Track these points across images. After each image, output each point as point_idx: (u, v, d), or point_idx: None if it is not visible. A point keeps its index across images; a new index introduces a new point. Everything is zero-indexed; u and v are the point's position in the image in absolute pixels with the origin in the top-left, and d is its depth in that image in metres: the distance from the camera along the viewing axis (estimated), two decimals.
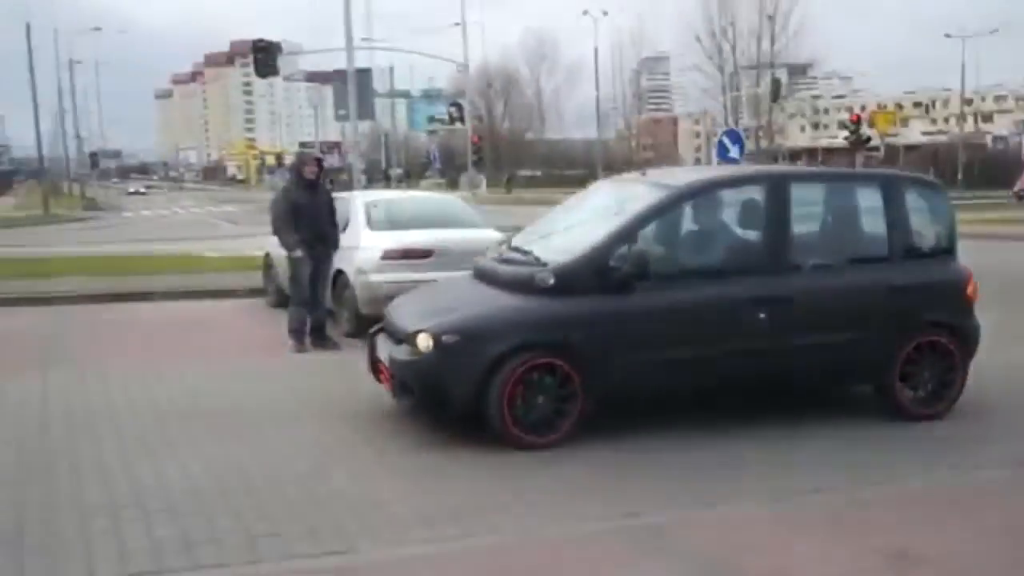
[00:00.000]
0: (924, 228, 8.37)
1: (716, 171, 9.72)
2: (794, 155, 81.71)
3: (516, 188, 77.05)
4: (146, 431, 7.62)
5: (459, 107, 55.86)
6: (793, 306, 7.58)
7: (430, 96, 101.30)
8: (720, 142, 22.09)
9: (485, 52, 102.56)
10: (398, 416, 7.82)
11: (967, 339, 8.12)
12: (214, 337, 12.37)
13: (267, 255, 14.73)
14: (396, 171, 74.98)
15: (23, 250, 26.12)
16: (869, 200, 8.32)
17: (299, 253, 11.02)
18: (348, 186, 23.38)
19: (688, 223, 8.07)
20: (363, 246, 11.88)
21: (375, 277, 11.49)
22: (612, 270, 7.22)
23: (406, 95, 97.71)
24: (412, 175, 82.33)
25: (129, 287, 16.64)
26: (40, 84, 59.45)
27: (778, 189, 7.85)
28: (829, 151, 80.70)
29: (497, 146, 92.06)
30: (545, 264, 7.49)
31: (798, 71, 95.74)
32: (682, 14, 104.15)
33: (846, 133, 50.53)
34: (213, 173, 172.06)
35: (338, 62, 24.97)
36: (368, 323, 11.32)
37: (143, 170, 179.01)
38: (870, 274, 8.02)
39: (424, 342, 7.16)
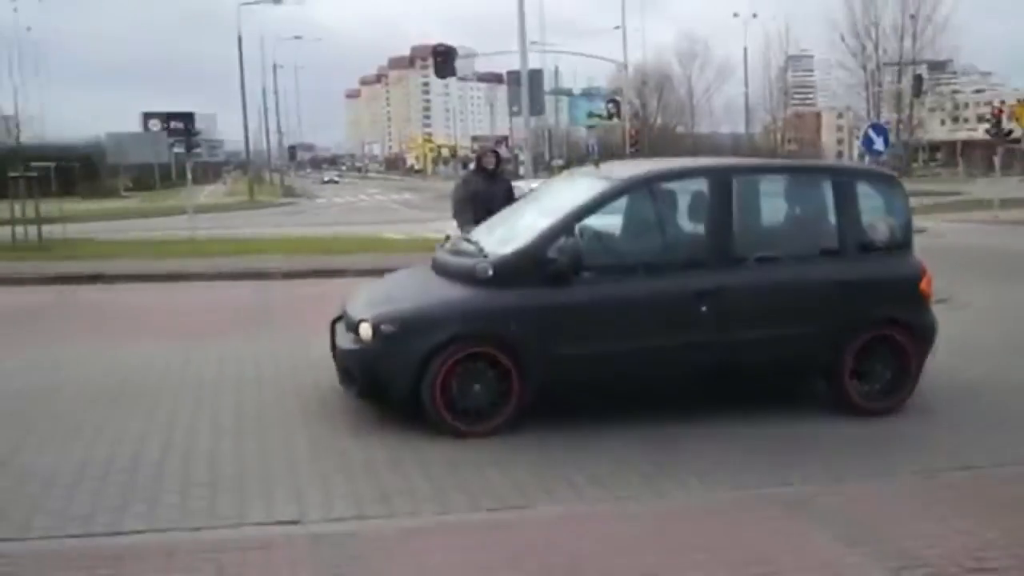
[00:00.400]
0: (877, 222, 7.61)
1: (661, 164, 8.56)
2: (933, 148, 78.64)
3: None
4: None
5: (616, 103, 55.66)
6: (736, 299, 7.04)
7: (589, 94, 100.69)
8: (866, 134, 21.40)
9: (642, 53, 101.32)
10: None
11: (921, 335, 7.49)
12: None
13: (447, 236, 14.87)
14: (558, 162, 75.05)
15: (236, 231, 27.12)
16: (818, 193, 7.74)
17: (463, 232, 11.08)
18: (514, 176, 23.60)
19: (628, 216, 7.56)
20: None
21: None
22: (549, 262, 6.76)
23: (568, 93, 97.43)
24: (572, 166, 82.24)
25: (324, 265, 17.09)
26: (248, 86, 61.62)
27: (720, 182, 7.31)
28: (969, 144, 77.48)
29: (650, 139, 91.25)
30: (486, 256, 7.12)
31: (938, 67, 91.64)
32: (827, 14, 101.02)
33: (986, 126, 48.08)
34: (394, 164, 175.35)
35: (506, 64, 25.14)
36: None
37: (332, 161, 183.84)
38: (818, 268, 7.42)
39: (365, 331, 6.87)
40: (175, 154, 51.74)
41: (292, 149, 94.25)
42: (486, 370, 6.75)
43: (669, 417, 7.08)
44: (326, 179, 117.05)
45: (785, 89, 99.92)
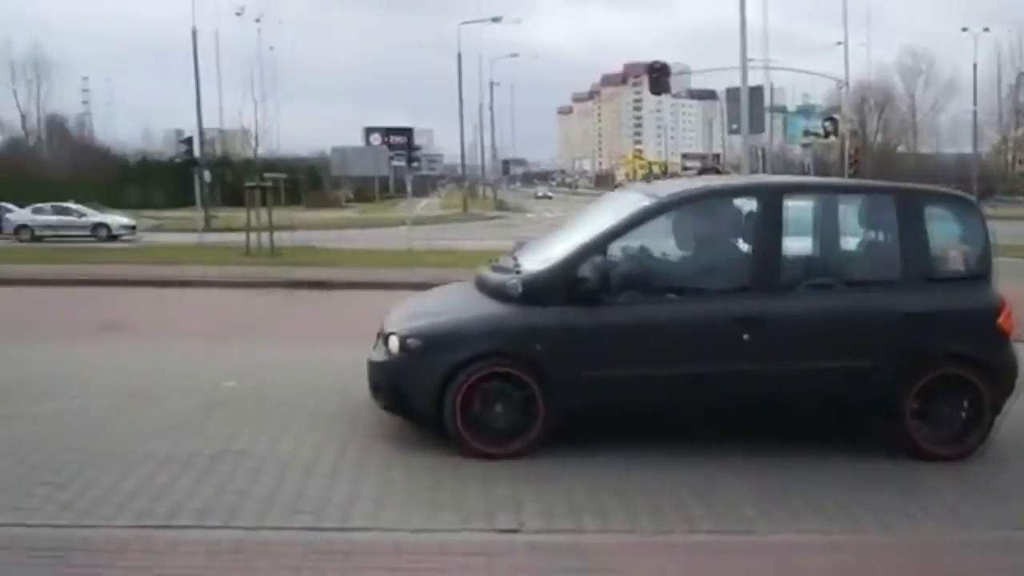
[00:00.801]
0: (948, 249, 7.01)
1: (711, 182, 8.00)
2: None
3: None
4: None
5: (834, 121, 53.90)
6: (781, 328, 6.54)
7: (805, 111, 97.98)
8: None
9: (862, 70, 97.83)
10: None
11: (997, 375, 6.69)
12: None
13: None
14: None
15: (451, 243, 27.88)
16: (882, 216, 7.09)
17: None
18: None
19: (668, 236, 7.14)
20: None
21: None
22: (579, 281, 6.48)
23: (783, 110, 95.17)
24: None
25: None
26: (465, 102, 63.28)
27: (770, 202, 6.82)
28: None
29: (868, 159, 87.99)
30: (519, 272, 6.84)
31: None
32: None
33: None
34: (604, 180, 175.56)
35: (718, 81, 24.85)
36: None
37: (543, 177, 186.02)
38: (876, 298, 6.79)
39: (392, 344, 6.71)
40: (394, 167, 53.94)
41: (505, 164, 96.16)
42: (511, 390, 6.52)
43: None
44: (539, 194, 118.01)
45: (1017, 107, 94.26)
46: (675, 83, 32.85)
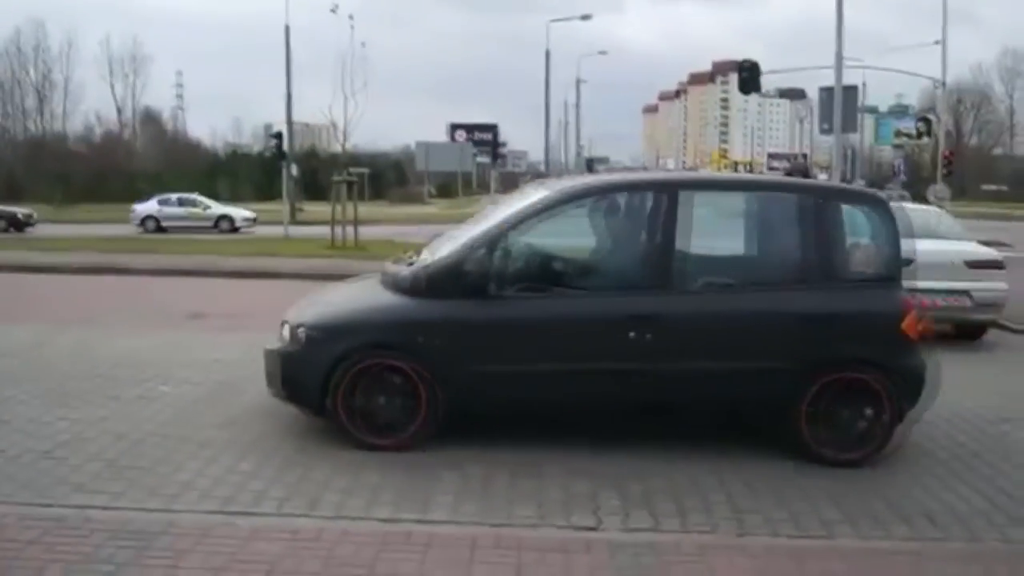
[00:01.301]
0: (853, 250, 6.80)
1: (609, 177, 7.80)
2: None
3: (982, 201, 71.34)
4: None
5: (928, 122, 52.57)
6: (672, 328, 6.37)
7: (896, 112, 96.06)
8: None
9: (959, 70, 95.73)
10: None
11: (900, 381, 6.44)
12: None
13: None
14: (860, 182, 72.14)
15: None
16: (784, 215, 6.88)
17: None
18: None
19: (562, 230, 7.03)
20: None
21: None
22: (466, 275, 6.43)
23: (874, 110, 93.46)
24: (874, 187, 78.89)
25: None
26: (550, 99, 63.26)
27: (667, 198, 6.65)
28: None
29: (963, 161, 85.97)
30: (412, 265, 6.84)
31: None
32: None
33: None
34: None
35: (806, 79, 24.44)
36: None
37: None
38: (774, 298, 6.59)
39: (285, 333, 6.73)
40: (477, 163, 54.21)
41: (589, 162, 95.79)
42: (396, 382, 6.44)
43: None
44: None
45: None
46: (764, 81, 32.40)
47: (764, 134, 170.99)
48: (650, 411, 6.69)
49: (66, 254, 20.98)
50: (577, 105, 79.19)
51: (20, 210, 39.96)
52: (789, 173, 12.27)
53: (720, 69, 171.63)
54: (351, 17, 34.15)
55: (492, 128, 75.09)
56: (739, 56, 27.14)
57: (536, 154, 76.03)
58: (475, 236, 6.75)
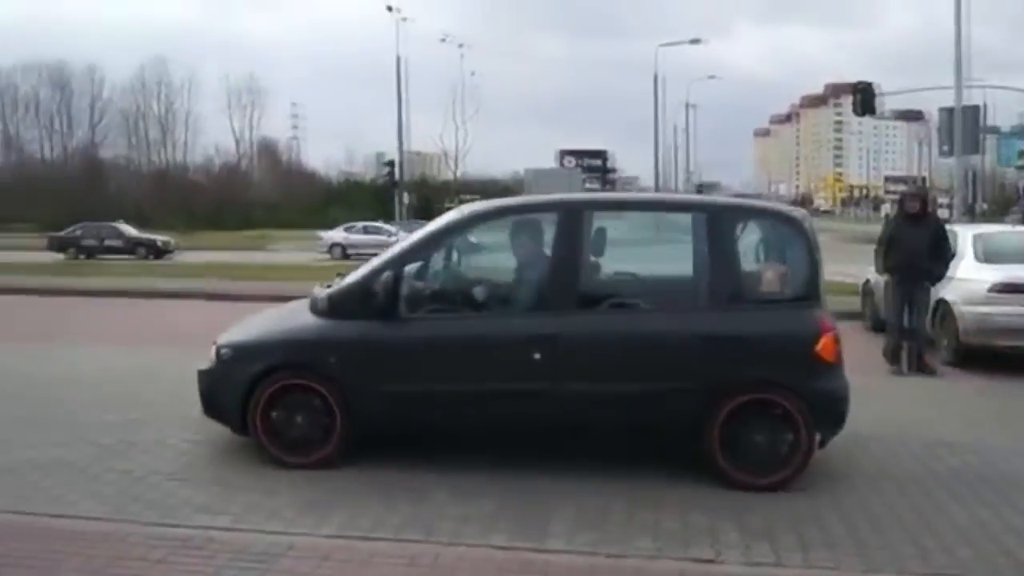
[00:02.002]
0: (764, 270, 6.65)
1: (516, 199, 7.89)
2: None
3: None
4: None
5: None
6: (574, 348, 6.33)
7: (1018, 132, 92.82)
8: None
9: None
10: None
11: (816, 404, 6.22)
12: None
13: (867, 281, 14.36)
14: (982, 206, 69.68)
15: None
16: (692, 234, 6.69)
17: (885, 277, 11.29)
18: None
19: (469, 252, 7.22)
20: (969, 278, 11.05)
21: (981, 309, 10.65)
22: (373, 296, 6.44)
23: (995, 131, 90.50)
24: (995, 212, 76.07)
25: None
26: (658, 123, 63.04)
27: (570, 218, 6.65)
28: None
29: None
30: (329, 288, 6.91)
31: None
32: None
33: None
34: (801, 204, 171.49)
35: (925, 100, 23.84)
36: (970, 353, 10.62)
37: None
38: (681, 319, 6.52)
39: (212, 354, 6.85)
40: (587, 189, 54.25)
41: (699, 187, 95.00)
42: (310, 401, 6.52)
43: None
44: None
45: None
46: (879, 103, 31.79)
47: (880, 157, 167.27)
48: (558, 432, 6.68)
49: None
50: (687, 129, 78.80)
51: (160, 237, 41.76)
52: (903, 198, 11.91)
53: (833, 91, 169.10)
54: (461, 47, 34.70)
55: (601, 154, 75.19)
56: (851, 77, 26.76)
57: (647, 179, 75.83)
58: (384, 258, 6.87)
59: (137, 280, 23.52)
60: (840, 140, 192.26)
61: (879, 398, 8.87)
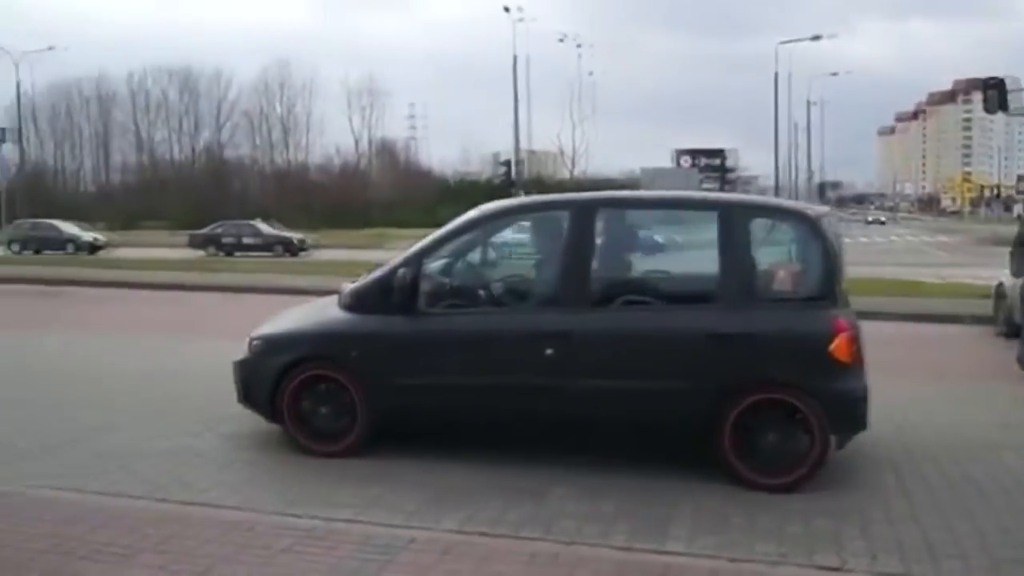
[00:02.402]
0: (777, 269, 6.55)
1: (532, 198, 7.71)
2: None
3: None
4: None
5: None
6: (585, 345, 6.37)
7: None
8: None
9: None
10: None
11: (830, 405, 6.08)
12: (942, 358, 11.84)
13: (999, 284, 13.83)
14: None
15: None
16: (705, 232, 6.66)
17: (1021, 280, 11.12)
18: None
19: (484, 249, 7.35)
20: None
21: None
22: (391, 292, 6.63)
23: None
24: None
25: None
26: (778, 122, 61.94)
27: (582, 217, 6.68)
28: None
29: None
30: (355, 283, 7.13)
31: None
32: None
33: None
34: (927, 205, 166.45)
35: None
36: None
37: (859, 200, 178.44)
38: (693, 317, 6.45)
39: (246, 346, 7.10)
40: (705, 189, 53.65)
41: (821, 186, 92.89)
42: (335, 393, 6.77)
43: None
44: (870, 219, 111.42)
45: None
46: (1013, 99, 30.58)
47: (1012, 155, 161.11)
48: (571, 428, 6.69)
49: None
50: (808, 128, 77.05)
51: (295, 235, 43.00)
52: None
53: (961, 87, 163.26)
54: (579, 46, 34.66)
55: (719, 153, 74.16)
56: (980, 73, 25.74)
57: (767, 179, 74.55)
58: (405, 255, 6.98)
59: (278, 277, 24.26)
60: (969, 138, 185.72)
61: (1014, 405, 8.60)
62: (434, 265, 7.02)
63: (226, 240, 42.97)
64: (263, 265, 31.41)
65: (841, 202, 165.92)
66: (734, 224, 6.56)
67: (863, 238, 64.62)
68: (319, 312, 7.49)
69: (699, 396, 6.25)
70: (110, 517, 5.40)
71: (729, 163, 76.43)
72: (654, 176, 34.65)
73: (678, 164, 64.35)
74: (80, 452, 6.92)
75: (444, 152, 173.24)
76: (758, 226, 6.72)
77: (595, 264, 6.74)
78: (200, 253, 40.80)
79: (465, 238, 7.20)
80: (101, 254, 40.00)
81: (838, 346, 6.18)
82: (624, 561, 4.89)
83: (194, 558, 4.79)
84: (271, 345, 7.12)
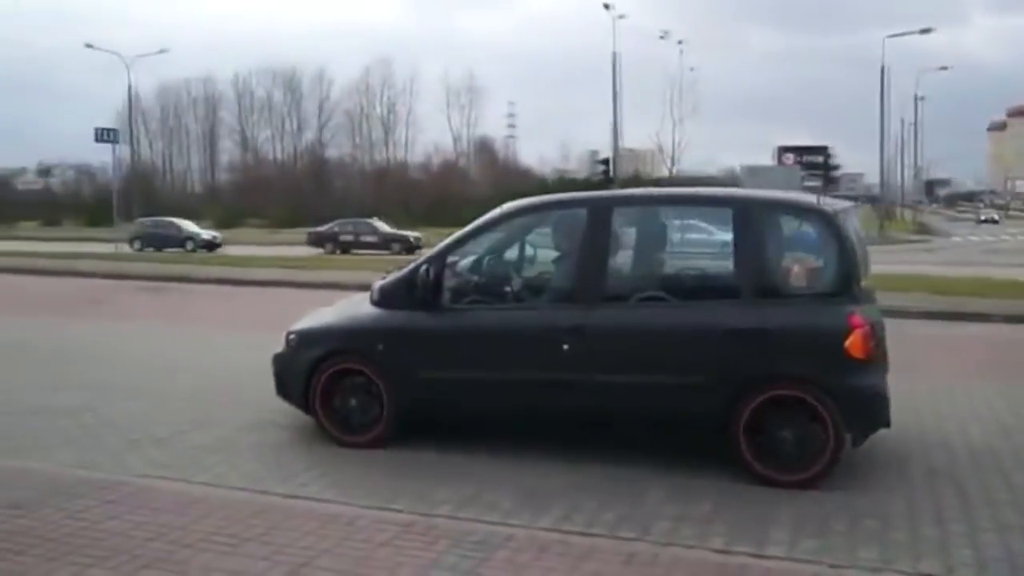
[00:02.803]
0: (792, 264, 6.47)
1: (548, 196, 7.88)
2: None
3: None
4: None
5: None
6: (602, 340, 6.48)
7: None
8: None
9: None
10: None
11: (846, 401, 6.04)
12: None
13: None
14: None
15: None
16: (719, 228, 6.80)
17: None
18: None
19: (506, 246, 7.44)
20: None
21: None
22: (414, 288, 6.85)
23: None
24: None
25: (964, 307, 16.06)
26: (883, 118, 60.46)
27: (599, 214, 6.78)
28: None
29: None
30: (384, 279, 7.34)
31: None
32: None
33: None
34: None
35: None
36: None
37: (968, 198, 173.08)
38: (708, 313, 6.45)
39: (283, 339, 7.39)
40: (807, 186, 52.71)
41: (929, 184, 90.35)
42: (363, 385, 7.01)
43: None
44: (982, 217, 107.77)
45: None
46: None
47: None
48: (588, 421, 6.82)
49: None
50: (915, 124, 75.07)
51: (412, 234, 43.68)
52: None
53: None
54: (680, 43, 34.33)
55: (822, 150, 72.66)
56: None
57: (871, 176, 72.92)
58: (429, 252, 7.18)
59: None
60: None
61: None
62: (458, 262, 7.25)
63: (344, 238, 43.63)
64: (382, 263, 31.69)
65: (950, 200, 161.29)
66: (749, 220, 6.56)
67: (973, 236, 62.51)
68: (351, 307, 7.73)
69: (714, 392, 6.28)
70: (215, 507, 5.57)
71: (834, 160, 74.89)
72: (754, 174, 34.09)
73: (780, 161, 63.27)
74: (184, 444, 7.18)
75: (542, 150, 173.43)
76: (773, 222, 6.73)
77: (610, 261, 6.83)
78: (319, 251, 41.52)
79: (488, 235, 7.35)
80: (219, 251, 41.03)
81: (853, 342, 6.12)
82: (722, 564, 4.84)
83: (297, 549, 4.90)
84: (304, 339, 7.40)
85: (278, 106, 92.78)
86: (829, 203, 6.76)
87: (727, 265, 6.69)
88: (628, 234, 7.08)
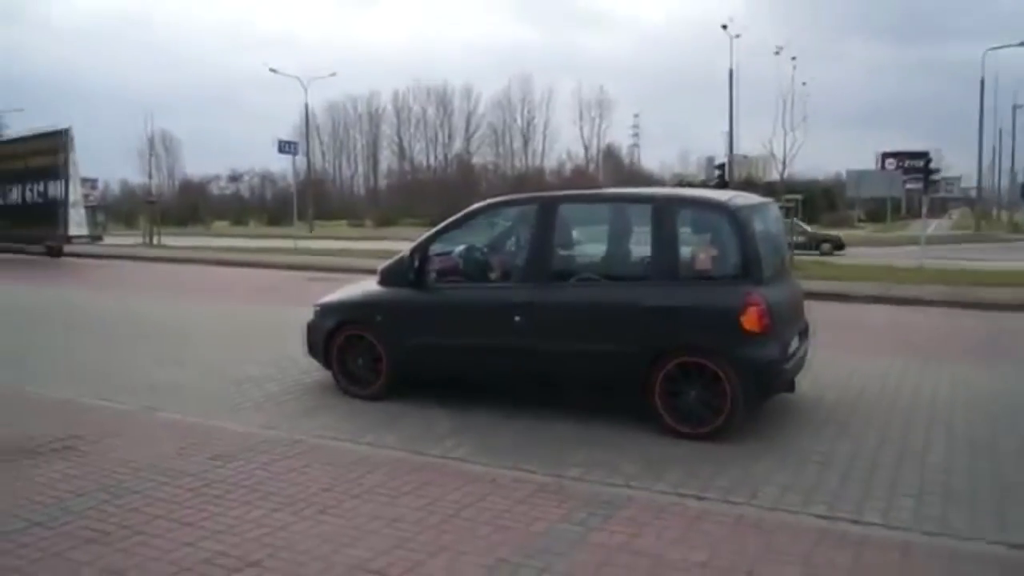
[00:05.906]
0: (699, 252, 6.79)
1: (513, 196, 8.67)
2: None
3: None
4: None
5: None
6: (544, 314, 6.98)
7: None
8: None
9: None
10: None
11: (740, 368, 6.37)
12: None
13: None
14: None
15: (962, 263, 25.40)
16: (641, 222, 7.14)
17: None
18: None
19: (476, 236, 7.99)
20: None
21: None
22: (404, 269, 7.56)
23: None
24: None
25: None
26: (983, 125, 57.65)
27: (546, 209, 7.29)
28: None
29: None
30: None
31: None
32: None
33: None
34: None
35: None
36: None
37: None
38: (629, 292, 6.90)
39: (312, 309, 8.25)
40: (908, 189, 50.71)
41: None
42: (368, 348, 7.77)
43: None
44: None
45: None
46: None
47: None
48: (536, 383, 7.31)
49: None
50: (1013, 133, 71.36)
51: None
52: None
53: None
54: (794, 58, 33.42)
55: (924, 155, 69.56)
56: None
57: (969, 181, 69.61)
58: (418, 239, 7.72)
59: None
60: None
61: None
62: (440, 247, 7.80)
63: None
64: None
65: None
66: (663, 215, 6.90)
67: None
68: (363, 285, 8.34)
69: (635, 359, 6.66)
70: (377, 464, 5.78)
71: (935, 166, 71.54)
72: (859, 178, 32.77)
73: (882, 167, 60.87)
74: (345, 410, 7.44)
75: (663, 156, 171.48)
76: (684, 216, 7.01)
77: (553, 247, 7.26)
78: None
79: (465, 226, 7.79)
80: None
81: (748, 318, 6.40)
82: (824, 529, 4.77)
83: (447, 503, 5.05)
84: (325, 311, 8.22)
85: (431, 119, 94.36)
86: (738, 200, 6.97)
87: (646, 252, 7.03)
88: (571, 226, 7.56)
